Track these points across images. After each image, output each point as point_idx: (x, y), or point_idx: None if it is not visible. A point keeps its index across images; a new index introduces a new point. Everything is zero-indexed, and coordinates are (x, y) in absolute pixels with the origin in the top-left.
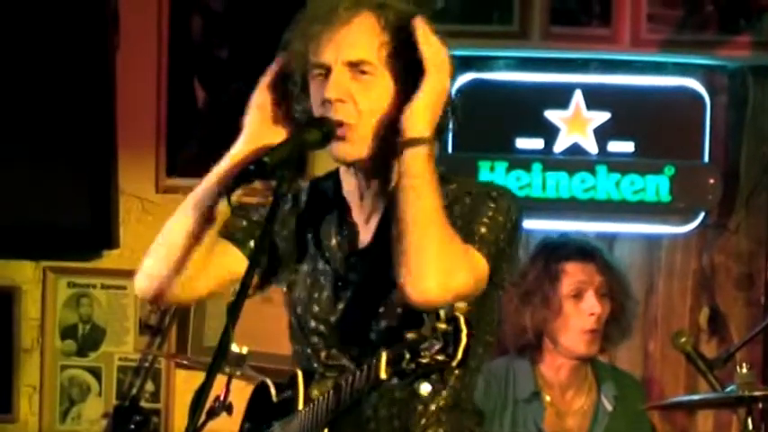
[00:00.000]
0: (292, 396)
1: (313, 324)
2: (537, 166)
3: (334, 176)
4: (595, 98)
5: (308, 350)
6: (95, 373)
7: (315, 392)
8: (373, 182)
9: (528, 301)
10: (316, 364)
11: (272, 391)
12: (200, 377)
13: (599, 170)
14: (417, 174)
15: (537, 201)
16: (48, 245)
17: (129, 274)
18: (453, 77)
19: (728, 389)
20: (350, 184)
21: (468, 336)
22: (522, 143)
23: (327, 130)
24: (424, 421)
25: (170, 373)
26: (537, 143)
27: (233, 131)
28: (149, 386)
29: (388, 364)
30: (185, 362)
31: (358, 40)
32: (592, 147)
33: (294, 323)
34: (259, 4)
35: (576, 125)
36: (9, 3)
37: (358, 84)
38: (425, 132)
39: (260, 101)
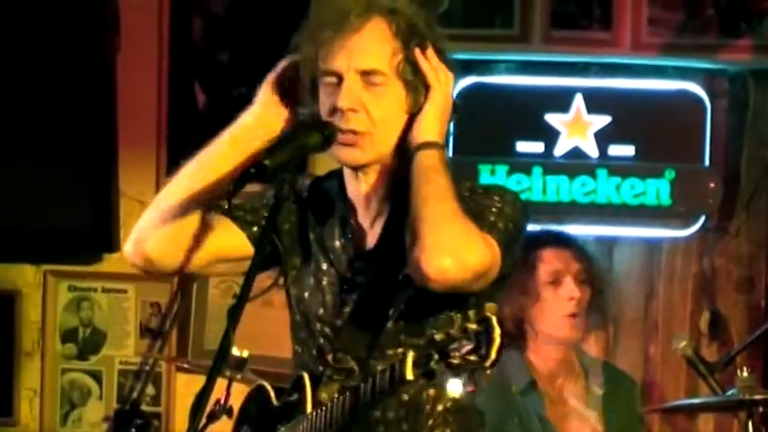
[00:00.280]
0: (299, 399)
1: (318, 326)
2: (537, 170)
3: (337, 177)
4: (596, 102)
5: (314, 351)
6: (96, 376)
7: (323, 395)
8: (379, 186)
9: (506, 292)
10: (321, 367)
11: (272, 394)
12: (200, 381)
13: (599, 174)
14: (429, 165)
15: (537, 204)
16: (48, 248)
17: (130, 277)
18: (455, 81)
19: (729, 392)
20: (355, 188)
21: (501, 336)
22: (523, 146)
23: (328, 134)
24: (431, 422)
25: (171, 376)
26: (537, 147)
27: None
28: (150, 390)
29: (414, 365)
30: (186, 365)
31: (370, 49)
32: (592, 150)
33: (299, 322)
34: (260, 8)
35: (577, 129)
36: (10, 5)
37: (370, 93)
38: (435, 137)
39: (279, 74)
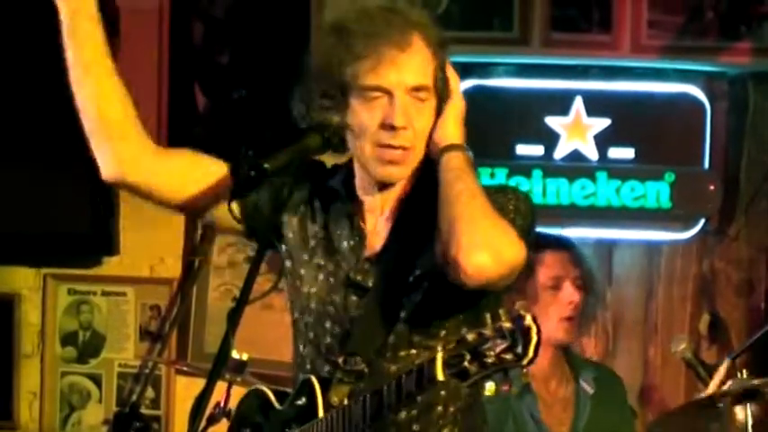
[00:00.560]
0: (309, 403)
1: (329, 325)
2: (537, 173)
3: (343, 177)
4: (596, 104)
5: (322, 352)
6: (95, 379)
7: (334, 399)
8: (399, 192)
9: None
10: (328, 367)
11: (272, 398)
12: (200, 384)
13: (599, 176)
14: (456, 166)
15: (537, 207)
16: (48, 251)
17: (130, 280)
18: None
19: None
20: (373, 194)
21: (538, 333)
22: (523, 149)
23: (329, 136)
24: (442, 422)
25: (170, 379)
26: (537, 149)
27: (233, 137)
28: (150, 393)
29: (445, 365)
30: (185, 368)
31: (419, 66)
32: (592, 153)
33: (306, 323)
34: (259, 11)
35: (577, 131)
36: (8, 7)
37: (415, 108)
38: (458, 140)
39: None
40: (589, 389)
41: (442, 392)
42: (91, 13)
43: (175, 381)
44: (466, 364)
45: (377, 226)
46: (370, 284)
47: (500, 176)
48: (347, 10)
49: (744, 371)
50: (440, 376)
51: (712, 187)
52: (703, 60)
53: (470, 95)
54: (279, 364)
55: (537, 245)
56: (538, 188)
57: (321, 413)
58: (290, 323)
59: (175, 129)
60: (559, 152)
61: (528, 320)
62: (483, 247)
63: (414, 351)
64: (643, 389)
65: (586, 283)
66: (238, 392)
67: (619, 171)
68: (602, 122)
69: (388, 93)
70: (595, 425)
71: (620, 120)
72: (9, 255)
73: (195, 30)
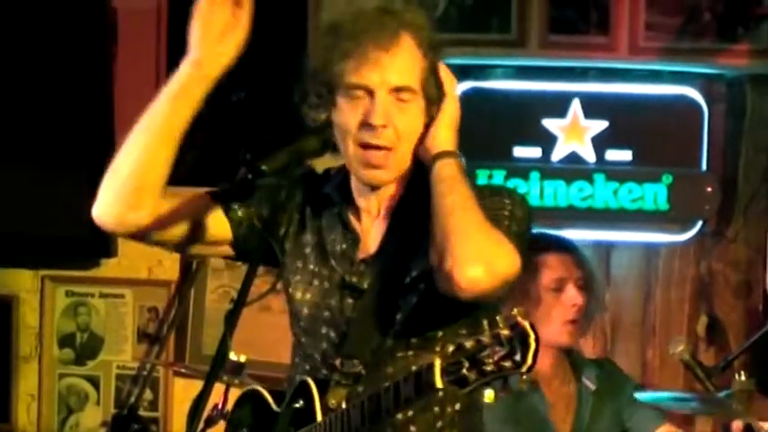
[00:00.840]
0: (306, 406)
1: (324, 330)
2: (535, 175)
3: (339, 180)
4: (593, 106)
5: (318, 356)
6: (94, 381)
7: (332, 401)
8: (392, 196)
9: (506, 295)
10: (327, 372)
11: (269, 399)
12: (198, 386)
13: (597, 179)
14: (449, 175)
15: (535, 209)
16: (46, 253)
17: (128, 282)
18: None
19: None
20: (367, 197)
21: (537, 340)
22: (520, 151)
23: (326, 139)
24: (440, 424)
25: (168, 381)
26: (535, 151)
27: (231, 140)
28: (148, 394)
29: (443, 373)
30: (183, 370)
31: (404, 66)
32: (590, 155)
33: (303, 327)
34: (258, 14)
35: (574, 133)
36: (7, 11)
37: (398, 108)
38: (451, 147)
39: (203, 13)
40: (591, 385)
41: (439, 394)
42: (211, 83)
43: (173, 383)
44: (464, 371)
45: (372, 227)
46: (366, 286)
47: (498, 178)
48: (344, 12)
49: (742, 372)
50: (438, 384)
51: (710, 189)
52: (701, 62)
53: (468, 97)
54: (277, 366)
55: (540, 247)
56: (535, 190)
57: (319, 417)
58: (288, 326)
59: None
60: (557, 154)
61: (526, 327)
62: (476, 260)
63: (411, 353)
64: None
65: (588, 285)
66: (236, 394)
67: (616, 173)
68: (600, 124)
69: (370, 92)
70: (598, 418)
71: (617, 122)
72: (7, 256)
73: None
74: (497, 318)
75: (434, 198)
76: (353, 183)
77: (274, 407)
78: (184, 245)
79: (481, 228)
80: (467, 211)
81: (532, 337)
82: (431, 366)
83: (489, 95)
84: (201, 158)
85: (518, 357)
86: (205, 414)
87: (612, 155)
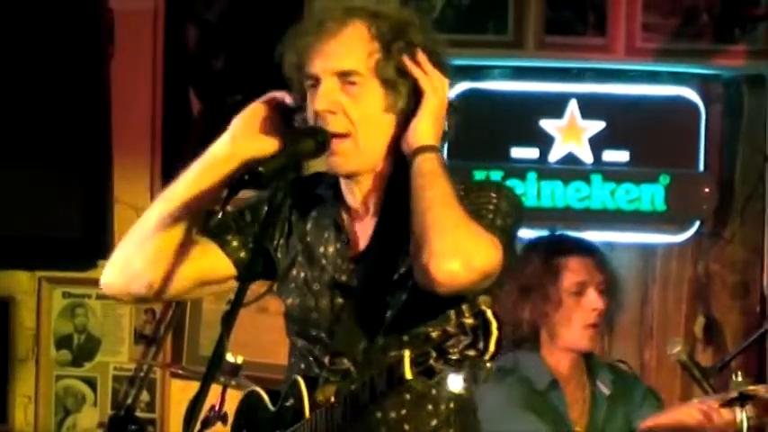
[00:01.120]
0: (296, 404)
1: (314, 332)
2: (532, 176)
3: (331, 182)
4: (590, 107)
5: (310, 358)
6: (90, 382)
7: (320, 398)
8: (374, 191)
9: (527, 295)
10: (318, 369)
11: (266, 399)
12: (195, 387)
13: (594, 179)
14: (429, 170)
15: (532, 210)
16: (43, 255)
17: None
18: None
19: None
20: (351, 194)
21: (499, 328)
22: (517, 152)
23: (322, 140)
24: (434, 422)
25: (165, 382)
26: (532, 152)
27: None
28: (145, 396)
29: (412, 364)
30: (180, 371)
31: (346, 51)
32: (587, 156)
33: (295, 331)
34: (254, 15)
35: (571, 134)
36: (4, 13)
37: (347, 94)
38: (431, 141)
39: (254, 110)
40: (606, 390)
41: (432, 392)
42: (238, 163)
43: (170, 384)
44: (432, 361)
45: (363, 226)
46: (356, 285)
47: (495, 179)
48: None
49: (739, 373)
50: (408, 375)
51: (707, 190)
52: (698, 63)
53: (465, 98)
54: (273, 367)
55: (562, 250)
56: (533, 191)
57: (307, 413)
58: (284, 326)
59: (170, 133)
60: (554, 155)
61: (488, 315)
62: (453, 254)
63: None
64: None
65: (610, 289)
66: (233, 395)
67: (614, 174)
68: (597, 125)
69: (318, 79)
70: (611, 423)
71: (614, 122)
72: (4, 258)
73: (190, 34)
74: (463, 307)
75: (414, 192)
76: (342, 182)
77: (270, 406)
78: (194, 293)
79: (459, 222)
80: (445, 206)
81: (494, 325)
82: (401, 359)
83: (487, 96)
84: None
85: (481, 345)
86: (202, 415)
87: (610, 155)
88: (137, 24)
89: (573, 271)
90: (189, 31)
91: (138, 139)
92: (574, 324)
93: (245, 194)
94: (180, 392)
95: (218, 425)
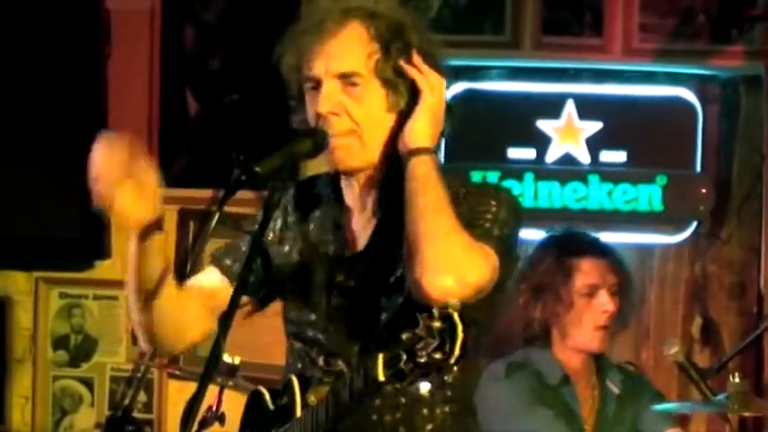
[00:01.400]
0: (289, 403)
1: (311, 333)
2: (529, 176)
3: (330, 182)
4: (587, 108)
5: (306, 360)
6: (88, 383)
7: (312, 398)
8: (373, 190)
9: (539, 295)
10: (313, 370)
11: (267, 397)
12: (192, 387)
13: (591, 180)
14: (423, 174)
15: (529, 211)
16: (40, 255)
17: (121, 284)
18: (447, 85)
19: (719, 397)
20: (350, 193)
21: (464, 332)
22: (514, 153)
23: (320, 140)
24: (430, 427)
25: (162, 383)
26: (529, 153)
27: (224, 142)
28: (142, 396)
29: (385, 366)
30: (178, 372)
31: (346, 52)
32: (584, 156)
33: (292, 332)
34: (251, 16)
35: (568, 135)
36: (1, 13)
37: (349, 96)
38: (426, 143)
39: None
40: (615, 389)
41: (427, 396)
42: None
43: (167, 384)
44: (402, 364)
45: (362, 225)
46: (353, 285)
47: (492, 180)
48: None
49: (736, 374)
50: (380, 377)
51: (704, 190)
52: (695, 63)
53: (462, 99)
54: (270, 368)
55: (575, 250)
56: (530, 191)
57: (299, 412)
58: (281, 327)
59: (167, 133)
60: (551, 155)
61: (455, 318)
62: (446, 270)
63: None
64: None
65: (623, 291)
66: (230, 396)
67: (611, 174)
68: (594, 125)
69: (318, 82)
70: (620, 423)
71: (611, 123)
72: (0, 258)
73: (187, 34)
74: (433, 310)
75: (407, 196)
76: (342, 181)
77: (270, 405)
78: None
79: (452, 233)
80: (439, 213)
81: (460, 327)
82: (375, 360)
83: (483, 97)
84: (194, 160)
85: (447, 348)
86: (199, 416)
87: (607, 156)
88: (134, 24)
89: (585, 273)
90: (186, 31)
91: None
92: (585, 325)
93: (246, 194)
94: (177, 393)
95: (216, 425)
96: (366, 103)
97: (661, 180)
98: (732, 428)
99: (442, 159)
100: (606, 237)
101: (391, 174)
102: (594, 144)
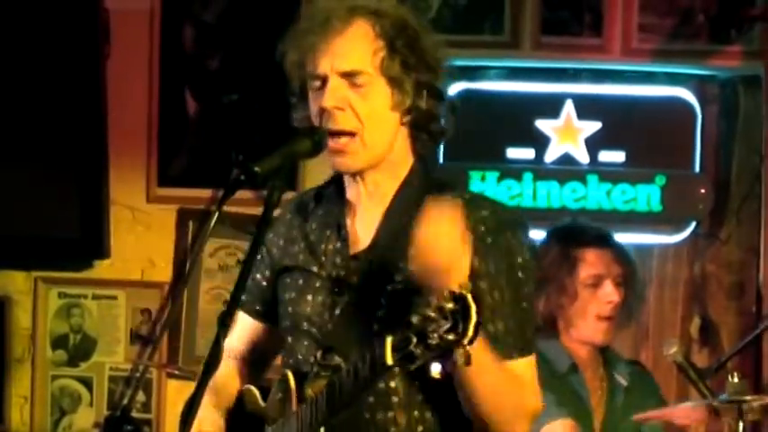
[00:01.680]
0: (284, 397)
1: (305, 326)
2: (528, 176)
3: (335, 181)
4: (586, 108)
5: (300, 355)
6: (86, 383)
7: (309, 391)
8: (378, 189)
9: (543, 286)
10: (308, 365)
11: (257, 394)
12: (191, 387)
13: (590, 180)
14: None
15: (528, 210)
16: (39, 255)
17: (120, 284)
18: (448, 85)
19: (720, 398)
20: (355, 192)
21: (478, 313)
22: (513, 153)
23: (318, 139)
24: (420, 429)
25: (161, 383)
26: (528, 153)
27: (224, 142)
28: (140, 396)
29: (393, 349)
30: (176, 372)
31: (352, 50)
32: (583, 156)
33: (287, 327)
34: (251, 16)
35: (567, 135)
36: (8, 8)
37: (355, 93)
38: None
39: None
40: (623, 381)
41: (419, 397)
42: None
43: (166, 384)
44: (412, 347)
45: (365, 223)
46: (355, 282)
47: (491, 180)
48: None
49: (735, 374)
50: (389, 360)
51: (703, 190)
52: (694, 64)
53: (461, 99)
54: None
55: (579, 241)
56: (528, 191)
57: (294, 406)
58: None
59: (166, 133)
60: (550, 155)
61: (468, 300)
62: (519, 422)
63: None
64: None
65: (628, 282)
66: None
67: (609, 174)
68: (593, 126)
69: (324, 79)
70: (628, 415)
71: (610, 123)
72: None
73: (186, 34)
74: (444, 292)
75: (461, 377)
76: (346, 179)
77: (261, 402)
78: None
79: (511, 397)
80: (497, 395)
81: (473, 309)
82: (383, 344)
83: (482, 96)
84: (194, 160)
85: (460, 329)
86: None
87: (606, 156)
88: (133, 24)
89: (589, 263)
90: (185, 31)
91: (134, 139)
92: (589, 315)
93: (245, 194)
94: (176, 393)
95: None
96: (371, 101)
97: (660, 180)
98: (730, 428)
99: (441, 159)
100: None
101: (397, 173)
102: (593, 144)
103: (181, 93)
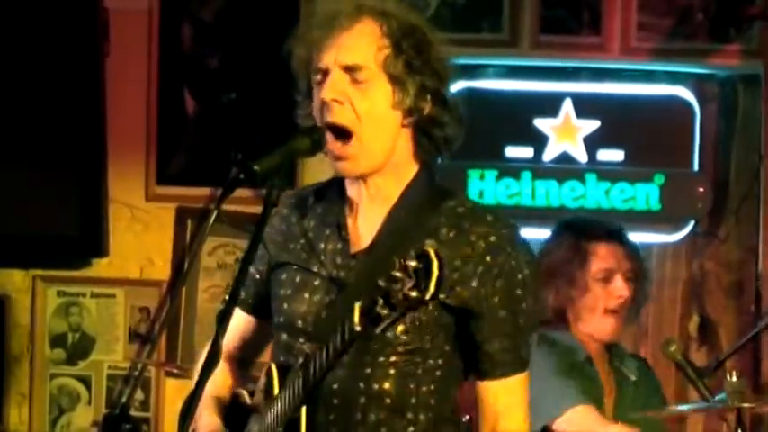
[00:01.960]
0: (267, 388)
1: (300, 324)
2: (526, 175)
3: (336, 181)
4: (585, 106)
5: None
6: (85, 381)
7: (290, 380)
8: (378, 190)
9: (552, 280)
10: (295, 360)
11: (246, 395)
12: (189, 385)
13: (588, 179)
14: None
15: (526, 209)
16: (37, 253)
17: (119, 282)
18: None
19: (718, 397)
20: (357, 192)
21: (440, 268)
22: (512, 151)
23: (318, 138)
24: (411, 429)
25: (160, 381)
26: (526, 151)
27: (222, 140)
28: (139, 395)
29: (361, 314)
30: (175, 370)
31: (356, 45)
32: (581, 155)
33: (280, 324)
34: (249, 15)
35: (566, 133)
36: (7, 8)
37: (356, 88)
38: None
39: None
40: (631, 376)
41: (412, 400)
42: None
43: (165, 382)
44: (378, 308)
45: (366, 223)
46: (353, 281)
47: (489, 179)
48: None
49: (734, 372)
50: (357, 326)
51: (702, 189)
52: (693, 62)
53: (460, 97)
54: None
55: (591, 235)
56: (527, 190)
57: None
58: None
59: (165, 132)
60: (549, 154)
61: (431, 255)
62: None
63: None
64: None
65: (638, 278)
66: None
67: (608, 173)
68: (592, 124)
69: (326, 72)
70: (636, 409)
71: (609, 122)
72: None
73: (185, 33)
74: (411, 251)
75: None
76: (347, 180)
77: (248, 400)
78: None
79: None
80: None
81: (436, 264)
82: (351, 310)
83: (481, 95)
84: (193, 159)
85: (422, 286)
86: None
87: (604, 155)
88: (132, 23)
89: (600, 258)
90: (184, 30)
91: (132, 138)
92: (599, 309)
93: (244, 192)
94: (174, 391)
95: None
96: (371, 97)
97: (659, 179)
98: (729, 427)
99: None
100: None
101: (397, 172)
102: (592, 143)
103: (180, 91)
